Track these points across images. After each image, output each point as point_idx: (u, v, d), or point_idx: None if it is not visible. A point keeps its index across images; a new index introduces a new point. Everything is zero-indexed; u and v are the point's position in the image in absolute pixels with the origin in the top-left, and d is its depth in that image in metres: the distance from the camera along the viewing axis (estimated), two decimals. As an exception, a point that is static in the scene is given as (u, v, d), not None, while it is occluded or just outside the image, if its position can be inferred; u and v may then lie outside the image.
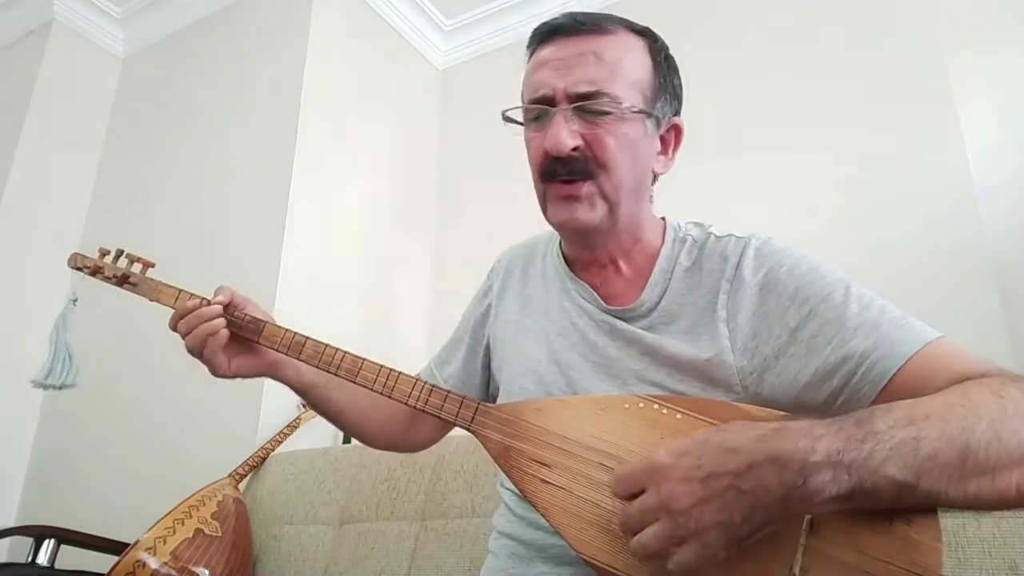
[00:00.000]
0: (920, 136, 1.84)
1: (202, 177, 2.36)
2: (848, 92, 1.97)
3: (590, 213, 0.79)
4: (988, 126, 1.83)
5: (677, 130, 0.85)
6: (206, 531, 1.43)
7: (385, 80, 2.58)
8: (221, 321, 0.88)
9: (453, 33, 2.80)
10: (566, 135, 0.76)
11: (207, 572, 1.38)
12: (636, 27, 0.83)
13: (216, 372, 0.90)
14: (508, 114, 0.83)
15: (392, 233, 2.48)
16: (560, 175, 0.78)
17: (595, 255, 0.86)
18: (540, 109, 0.79)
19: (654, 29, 0.84)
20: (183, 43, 2.65)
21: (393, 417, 1.01)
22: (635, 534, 0.58)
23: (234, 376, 0.91)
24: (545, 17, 0.84)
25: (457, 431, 0.96)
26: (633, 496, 0.59)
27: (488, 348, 1.00)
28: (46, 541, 1.57)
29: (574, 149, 0.77)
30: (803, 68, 2.05)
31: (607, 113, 0.77)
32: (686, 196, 1.80)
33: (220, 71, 2.50)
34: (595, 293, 0.85)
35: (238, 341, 0.90)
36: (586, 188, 0.78)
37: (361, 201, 2.38)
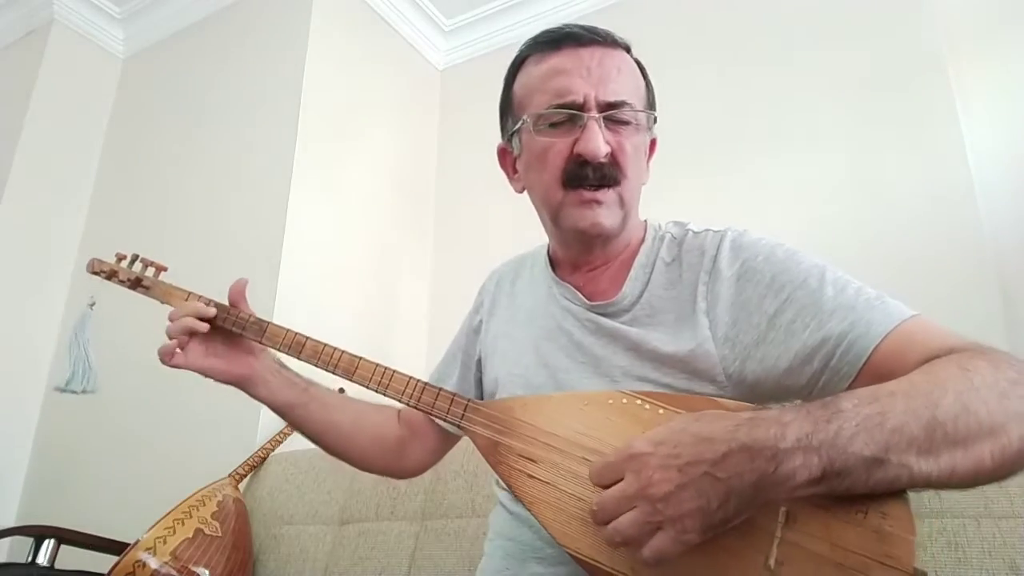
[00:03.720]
0: (920, 136, 1.84)
1: (202, 177, 2.36)
2: (848, 92, 1.97)
3: (611, 218, 0.81)
4: (988, 126, 1.83)
5: (653, 143, 0.89)
6: (206, 531, 1.43)
7: (385, 80, 2.58)
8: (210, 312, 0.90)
9: (453, 33, 2.80)
10: (603, 141, 0.78)
11: (207, 572, 1.38)
12: (626, 43, 0.86)
13: (165, 359, 0.87)
14: (531, 118, 0.81)
15: (392, 232, 2.48)
16: (590, 181, 0.79)
17: (592, 258, 0.87)
18: (569, 114, 0.79)
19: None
20: (183, 43, 2.65)
21: (377, 441, 0.99)
22: (608, 522, 0.58)
23: (186, 367, 0.88)
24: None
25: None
26: (613, 484, 0.60)
27: (479, 363, 1.00)
28: (46, 541, 1.56)
29: (605, 156, 0.79)
30: (802, 68, 2.05)
31: (628, 123, 0.81)
32: (687, 198, 1.81)
33: (220, 71, 2.50)
34: (579, 293, 0.86)
35: (221, 342, 0.91)
36: (610, 194, 0.80)
37: (361, 201, 2.39)
